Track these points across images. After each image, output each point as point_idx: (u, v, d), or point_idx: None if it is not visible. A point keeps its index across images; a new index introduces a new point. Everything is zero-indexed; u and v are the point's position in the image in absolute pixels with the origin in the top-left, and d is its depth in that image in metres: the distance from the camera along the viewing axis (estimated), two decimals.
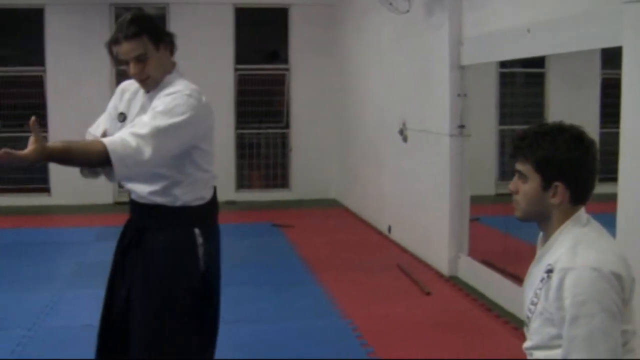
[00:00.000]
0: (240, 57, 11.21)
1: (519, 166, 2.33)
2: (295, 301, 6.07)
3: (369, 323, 5.43)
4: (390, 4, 7.00)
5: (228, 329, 4.70)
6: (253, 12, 11.22)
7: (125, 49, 2.98)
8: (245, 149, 11.53)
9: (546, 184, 2.27)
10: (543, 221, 2.35)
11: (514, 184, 2.36)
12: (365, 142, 9.62)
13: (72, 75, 10.70)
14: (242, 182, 11.55)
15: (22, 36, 11.29)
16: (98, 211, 10.38)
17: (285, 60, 11.39)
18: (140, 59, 3.01)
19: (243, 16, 11.13)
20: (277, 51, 11.60)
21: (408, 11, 7.07)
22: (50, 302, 5.96)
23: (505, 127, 11.28)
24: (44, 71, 10.76)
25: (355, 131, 10.18)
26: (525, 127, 2.39)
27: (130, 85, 3.23)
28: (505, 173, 11.17)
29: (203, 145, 3.10)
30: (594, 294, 2.12)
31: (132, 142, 2.77)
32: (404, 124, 7.83)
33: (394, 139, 8.09)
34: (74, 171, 11.10)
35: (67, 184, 10.84)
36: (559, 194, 2.26)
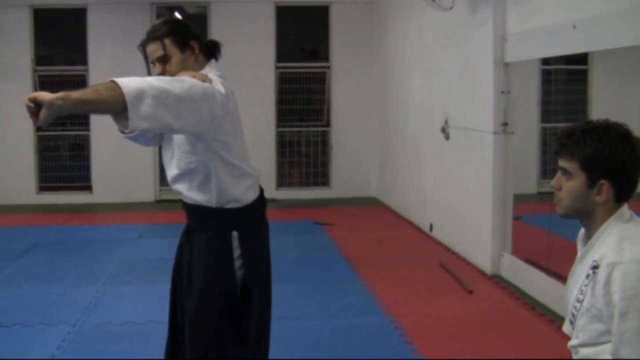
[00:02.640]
0: (281, 55, 11.23)
1: (564, 163, 2.30)
2: (338, 299, 6.05)
3: (412, 321, 5.39)
4: (434, 0, 6.95)
5: (274, 324, 4.73)
6: (294, 10, 11.25)
7: (150, 49, 3.17)
8: (285, 147, 11.55)
9: (591, 182, 2.25)
10: (586, 218, 2.33)
11: (557, 180, 2.34)
12: (406, 139, 9.57)
13: (115, 74, 10.61)
14: (283, 180, 11.57)
15: (66, 36, 11.45)
16: (140, 209, 10.46)
17: (326, 58, 11.38)
18: (162, 60, 3.15)
19: (284, 14, 11.15)
20: (318, 49, 11.61)
21: (452, 8, 7.02)
22: (94, 298, 6.01)
23: (548, 125, 11.18)
24: (87, 70, 10.88)
25: (396, 129, 10.14)
26: (567, 124, 2.36)
27: None
28: (547, 171, 11.05)
29: (223, 137, 3.04)
30: None
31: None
32: (446, 122, 7.78)
33: (436, 136, 8.04)
34: (115, 169, 11.24)
35: (108, 182, 10.98)
36: (605, 192, 2.24)
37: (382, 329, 5.26)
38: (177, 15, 11.24)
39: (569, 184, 2.29)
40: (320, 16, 11.26)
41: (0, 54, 10.66)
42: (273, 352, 3.51)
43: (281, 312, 5.50)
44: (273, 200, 11.03)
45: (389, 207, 10.48)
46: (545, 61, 7.44)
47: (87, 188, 11.14)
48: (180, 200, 3.30)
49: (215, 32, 10.83)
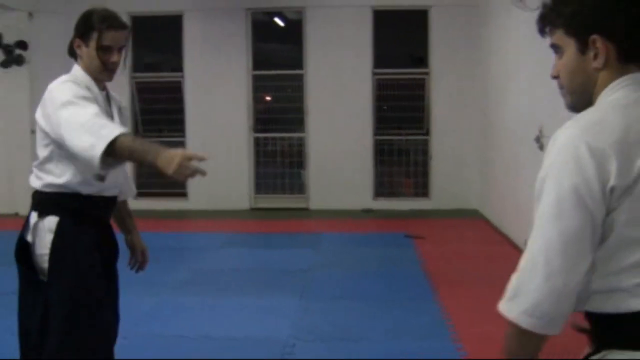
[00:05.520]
0: (379, 60, 10.88)
1: (552, 40, 1.89)
2: (408, 319, 5.67)
3: (479, 347, 4.94)
4: (521, 0, 6.46)
5: (332, 345, 4.69)
6: (392, 14, 10.87)
7: (120, 36, 3.03)
8: (384, 156, 11.19)
9: (583, 46, 1.82)
10: (595, 100, 1.86)
11: (554, 68, 1.90)
12: (504, 149, 9.06)
13: (209, 80, 10.75)
14: (381, 190, 11.20)
15: (162, 43, 11.51)
16: (233, 217, 10.34)
17: (425, 64, 10.96)
18: (121, 50, 3.06)
19: (382, 19, 10.81)
20: (418, 55, 11.20)
21: (538, 8, 6.51)
22: (153, 308, 5.87)
23: None
24: (182, 77, 10.87)
25: (495, 138, 9.63)
26: None
27: (82, 83, 3.02)
28: None
29: None
30: (557, 169, 1.71)
31: None
32: (540, 131, 7.25)
33: (532, 147, 7.51)
34: (210, 176, 11.06)
35: (204, 189, 10.90)
36: (601, 50, 1.79)
37: (444, 355, 4.85)
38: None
39: (563, 61, 1.87)
40: (420, 20, 10.85)
41: None
42: None
43: (343, 332, 5.23)
44: (369, 211, 10.73)
45: (489, 220, 9.96)
46: None
47: (183, 194, 11.13)
48: (107, 200, 3.15)
49: (311, 37, 10.65)
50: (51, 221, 2.95)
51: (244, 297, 6.24)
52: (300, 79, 10.90)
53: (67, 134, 2.76)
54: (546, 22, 1.91)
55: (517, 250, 8.06)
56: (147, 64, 11.43)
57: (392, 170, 11.27)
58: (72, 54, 3.09)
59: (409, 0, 10.78)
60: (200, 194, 10.96)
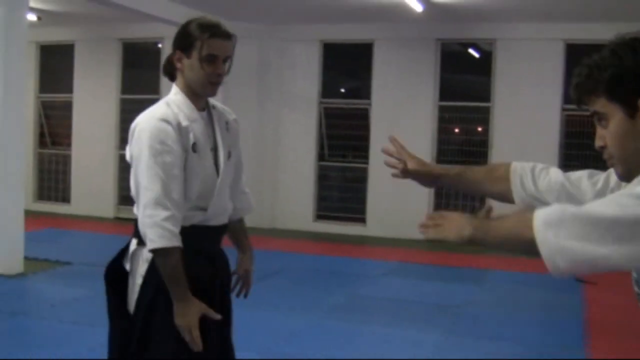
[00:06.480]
0: (570, 96, 10.49)
1: (593, 108, 1.80)
2: None
3: None
4: None
5: None
6: (586, 48, 10.41)
7: (226, 46, 2.84)
8: None
9: (631, 108, 1.72)
10: None
11: (599, 138, 1.80)
12: None
13: (396, 108, 10.82)
14: None
15: (351, 70, 11.76)
16: (406, 246, 10.32)
17: None
18: (226, 61, 2.88)
19: (575, 53, 10.41)
20: None
21: None
22: (298, 329, 6.01)
23: None
24: (370, 104, 11.02)
25: None
26: None
27: (173, 117, 2.78)
28: None
29: None
30: None
31: None
32: None
33: None
34: (389, 204, 11.20)
35: (382, 216, 10.99)
36: None
37: None
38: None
39: (611, 129, 1.76)
40: None
41: (291, 85, 11.21)
42: None
43: None
44: None
45: None
46: None
47: (361, 220, 11.26)
48: (212, 229, 2.94)
49: (500, 70, 10.50)
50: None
51: (390, 327, 6.24)
52: (486, 111, 10.73)
53: (138, 196, 2.73)
54: (583, 91, 1.81)
55: None
56: (336, 90, 11.71)
57: None
58: (169, 72, 2.92)
59: (604, 34, 10.32)
60: (377, 221, 11.04)
